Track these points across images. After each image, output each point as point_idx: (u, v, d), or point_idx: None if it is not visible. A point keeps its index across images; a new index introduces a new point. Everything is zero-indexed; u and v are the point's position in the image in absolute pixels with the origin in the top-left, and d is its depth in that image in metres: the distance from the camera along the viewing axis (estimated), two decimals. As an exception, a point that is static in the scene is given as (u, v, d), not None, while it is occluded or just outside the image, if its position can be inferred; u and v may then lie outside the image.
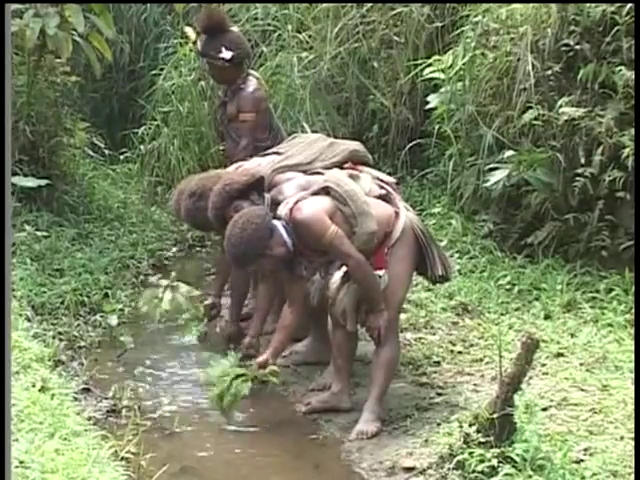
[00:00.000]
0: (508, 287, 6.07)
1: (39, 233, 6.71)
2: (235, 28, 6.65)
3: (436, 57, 7.18)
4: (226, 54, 6.25)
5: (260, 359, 4.86)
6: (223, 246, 5.13)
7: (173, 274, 6.54)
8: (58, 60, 7.31)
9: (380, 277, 4.69)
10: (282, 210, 4.71)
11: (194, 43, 6.32)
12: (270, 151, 5.56)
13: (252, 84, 6.31)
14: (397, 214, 4.83)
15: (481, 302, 5.97)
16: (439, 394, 4.98)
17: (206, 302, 6.01)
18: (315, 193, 4.76)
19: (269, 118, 6.44)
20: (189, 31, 6.39)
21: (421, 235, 4.83)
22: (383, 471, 4.31)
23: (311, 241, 4.65)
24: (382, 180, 5.11)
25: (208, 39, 6.28)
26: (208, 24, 6.28)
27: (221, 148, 6.86)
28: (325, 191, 4.74)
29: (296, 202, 4.70)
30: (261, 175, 5.14)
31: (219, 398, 4.84)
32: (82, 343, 5.81)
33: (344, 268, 4.82)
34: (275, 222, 4.67)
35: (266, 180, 5.17)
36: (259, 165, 5.38)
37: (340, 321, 4.82)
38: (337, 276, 4.85)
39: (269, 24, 8.64)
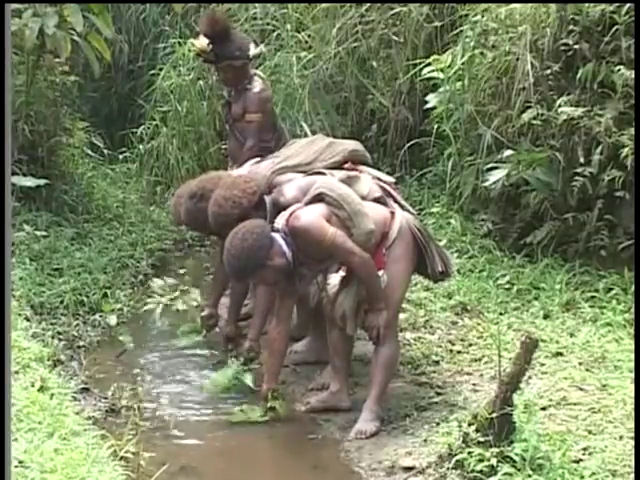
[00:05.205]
0: (507, 286, 6.07)
1: (38, 233, 6.70)
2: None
3: (435, 57, 7.18)
4: (254, 50, 6.26)
5: (262, 391, 4.88)
6: (221, 256, 5.12)
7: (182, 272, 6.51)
8: (57, 60, 7.30)
9: (379, 277, 4.70)
10: (279, 221, 4.72)
11: (207, 52, 6.26)
12: (269, 156, 5.53)
13: (258, 84, 6.28)
14: (393, 214, 4.84)
15: (480, 302, 5.97)
16: (438, 394, 4.98)
17: (203, 313, 5.99)
18: (309, 202, 4.77)
19: (274, 118, 6.42)
20: (199, 42, 6.32)
21: (418, 234, 4.84)
22: (382, 470, 4.31)
23: (313, 247, 4.65)
24: (381, 180, 5.12)
25: (221, 43, 6.24)
26: (218, 29, 6.23)
27: (224, 147, 6.84)
28: (319, 198, 4.75)
29: (292, 212, 4.71)
30: (262, 192, 5.10)
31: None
32: (81, 343, 5.81)
33: (342, 272, 4.82)
34: (274, 234, 4.68)
35: (266, 181, 5.16)
36: (259, 166, 5.37)
37: (340, 324, 4.82)
38: (335, 280, 4.84)
39: (268, 23, 8.65)
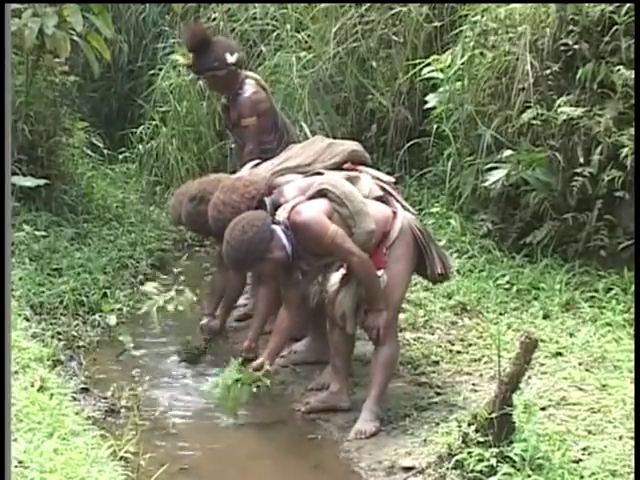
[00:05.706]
0: (507, 287, 6.07)
1: (38, 233, 6.70)
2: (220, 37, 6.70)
3: (435, 57, 7.17)
4: (231, 58, 6.24)
5: (256, 362, 4.88)
6: (220, 263, 5.12)
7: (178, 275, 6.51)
8: (57, 60, 7.30)
9: (379, 277, 4.70)
10: (280, 215, 4.72)
11: (190, 66, 6.32)
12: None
13: (250, 88, 6.25)
14: (395, 214, 4.84)
15: (480, 302, 5.96)
16: (438, 394, 4.98)
17: (201, 322, 5.98)
18: (312, 196, 4.77)
19: (274, 117, 6.39)
20: (181, 58, 6.41)
21: (419, 234, 4.84)
22: (382, 470, 4.31)
23: (312, 243, 4.64)
24: (381, 180, 5.12)
25: (200, 55, 6.21)
26: (196, 41, 6.21)
27: (230, 146, 6.86)
28: (322, 194, 4.74)
29: (294, 206, 4.71)
30: (262, 194, 5.10)
31: (223, 403, 4.90)
32: (81, 343, 5.81)
33: (342, 270, 4.82)
34: (274, 227, 4.68)
35: (266, 183, 5.15)
36: (258, 167, 5.37)
37: (339, 323, 4.83)
38: (335, 278, 4.85)
39: (268, 23, 8.64)
